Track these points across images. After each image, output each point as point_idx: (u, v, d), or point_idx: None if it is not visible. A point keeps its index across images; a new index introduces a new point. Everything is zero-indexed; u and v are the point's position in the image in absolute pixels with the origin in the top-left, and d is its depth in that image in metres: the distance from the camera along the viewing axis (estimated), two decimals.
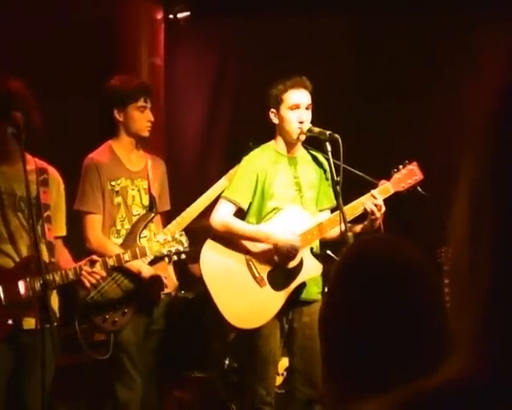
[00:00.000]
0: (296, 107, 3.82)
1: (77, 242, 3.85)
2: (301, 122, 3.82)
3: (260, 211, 3.88)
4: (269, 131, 3.97)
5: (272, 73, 4.09)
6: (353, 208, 3.77)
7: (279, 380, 4.51)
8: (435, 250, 4.22)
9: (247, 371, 4.02)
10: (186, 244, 3.75)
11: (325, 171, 3.98)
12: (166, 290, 3.99)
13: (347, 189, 3.69)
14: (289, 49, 6.07)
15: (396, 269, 1.23)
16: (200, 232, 4.12)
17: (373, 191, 3.78)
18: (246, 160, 3.95)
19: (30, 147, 3.42)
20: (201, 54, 6.78)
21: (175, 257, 3.80)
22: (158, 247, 3.72)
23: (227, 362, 4.80)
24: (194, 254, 3.92)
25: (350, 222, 3.69)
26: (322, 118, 3.83)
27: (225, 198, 3.90)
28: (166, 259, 3.87)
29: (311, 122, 3.85)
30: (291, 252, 3.77)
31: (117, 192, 3.94)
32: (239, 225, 3.84)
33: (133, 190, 3.98)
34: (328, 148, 3.70)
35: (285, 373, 4.57)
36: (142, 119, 3.96)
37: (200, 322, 4.80)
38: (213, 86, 6.76)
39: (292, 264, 3.83)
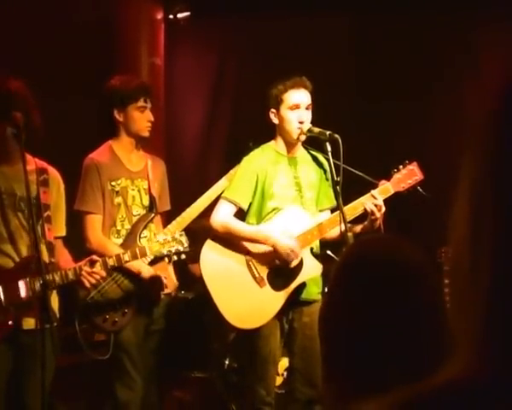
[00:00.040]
0: (296, 107, 3.82)
1: (77, 242, 3.85)
2: (301, 122, 3.82)
3: (260, 211, 3.88)
4: (269, 132, 3.97)
5: (272, 73, 4.09)
6: (353, 209, 3.77)
7: (279, 380, 4.51)
8: (435, 250, 4.22)
9: (247, 372, 4.01)
10: (186, 244, 3.75)
11: (325, 171, 3.98)
12: (166, 291, 3.99)
13: (347, 189, 3.69)
14: (289, 49, 6.07)
15: (396, 269, 1.23)
16: (200, 232, 4.12)
17: (373, 191, 3.78)
18: (246, 160, 3.95)
19: (30, 147, 3.42)
20: (201, 54, 6.78)
21: (175, 257, 3.80)
22: (158, 247, 3.72)
23: (227, 362, 4.80)
24: (194, 254, 3.92)
25: (350, 222, 3.68)
26: (322, 118, 3.83)
27: (225, 198, 3.89)
28: (166, 259, 3.87)
29: (311, 122, 3.85)
30: (290, 255, 3.77)
31: (117, 192, 3.94)
32: (239, 226, 3.84)
33: (133, 190, 3.98)
34: (328, 148, 3.70)
35: (285, 373, 4.57)
36: (142, 119, 3.96)
37: (200, 322, 4.80)
38: (213, 86, 6.76)
39: (292, 264, 3.83)
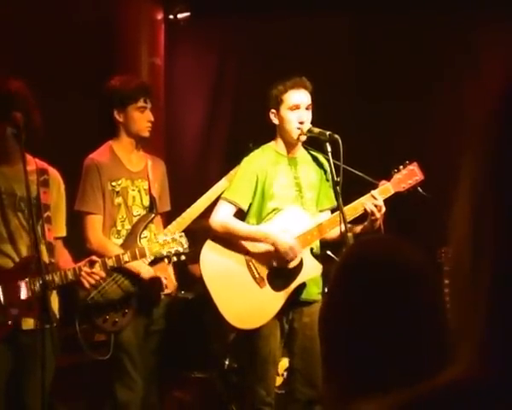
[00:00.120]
0: (296, 107, 3.82)
1: (77, 242, 3.85)
2: (301, 123, 3.82)
3: (260, 212, 3.88)
4: (269, 132, 3.97)
5: (272, 73, 4.09)
6: (353, 209, 3.77)
7: (279, 380, 4.51)
8: (435, 251, 4.22)
9: (247, 372, 4.01)
10: (186, 245, 3.75)
11: (325, 171, 3.98)
12: (166, 291, 3.99)
13: (347, 189, 3.68)
14: (289, 49, 6.07)
15: (396, 270, 1.23)
16: (200, 233, 4.12)
17: (373, 192, 3.78)
18: (246, 160, 3.95)
19: (30, 147, 3.42)
20: (201, 54, 6.78)
21: (174, 258, 3.80)
22: (157, 248, 3.72)
23: (227, 362, 4.80)
24: (194, 254, 3.92)
25: (350, 223, 3.68)
26: (322, 118, 3.82)
27: (225, 199, 3.89)
28: (166, 260, 3.87)
29: (312, 122, 3.85)
30: (289, 254, 3.77)
31: (117, 193, 3.94)
32: (238, 226, 3.84)
33: (133, 190, 3.98)
34: (329, 148, 3.70)
35: (285, 374, 4.57)
36: (142, 119, 3.96)
37: (200, 322, 4.80)
38: (213, 86, 6.76)
39: (292, 264, 3.83)
